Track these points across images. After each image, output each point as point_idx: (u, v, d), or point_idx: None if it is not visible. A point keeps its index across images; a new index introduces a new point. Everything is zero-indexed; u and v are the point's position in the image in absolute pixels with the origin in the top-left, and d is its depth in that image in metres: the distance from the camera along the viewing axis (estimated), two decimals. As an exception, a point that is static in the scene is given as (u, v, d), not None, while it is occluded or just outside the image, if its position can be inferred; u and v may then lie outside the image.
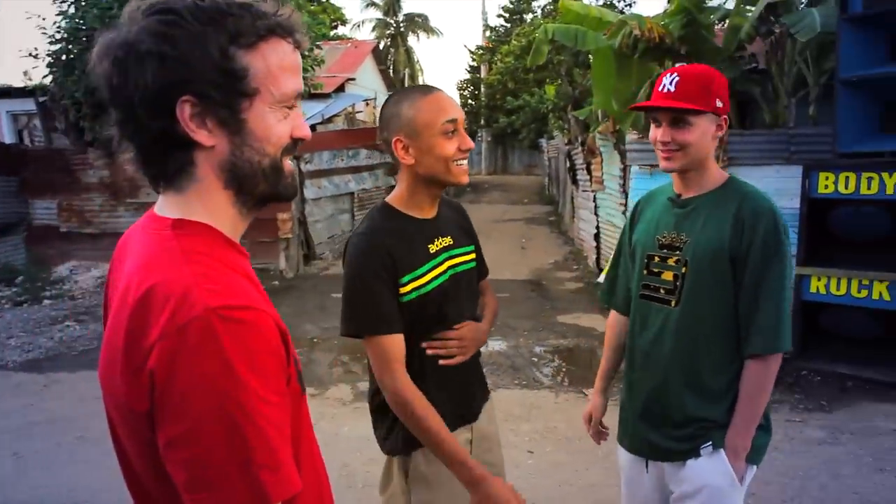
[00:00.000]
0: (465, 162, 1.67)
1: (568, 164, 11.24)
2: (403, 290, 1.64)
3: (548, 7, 18.51)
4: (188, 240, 0.88)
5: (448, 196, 1.88)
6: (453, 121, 1.62)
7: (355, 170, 12.27)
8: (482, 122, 31.38)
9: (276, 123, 0.92)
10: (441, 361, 1.70)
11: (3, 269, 9.75)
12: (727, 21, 7.49)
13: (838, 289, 4.91)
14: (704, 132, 1.73)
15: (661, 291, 1.82)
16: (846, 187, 4.83)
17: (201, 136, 0.87)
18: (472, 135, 34.33)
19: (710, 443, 1.73)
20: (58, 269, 9.70)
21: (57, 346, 6.63)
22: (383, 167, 13.73)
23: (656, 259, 1.84)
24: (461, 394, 1.77)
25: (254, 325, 0.82)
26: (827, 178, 4.91)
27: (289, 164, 0.97)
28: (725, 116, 1.76)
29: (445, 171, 1.64)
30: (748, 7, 7.35)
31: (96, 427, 4.40)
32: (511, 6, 26.77)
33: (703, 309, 1.75)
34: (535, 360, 5.84)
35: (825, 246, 5.18)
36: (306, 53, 9.68)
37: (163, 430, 0.79)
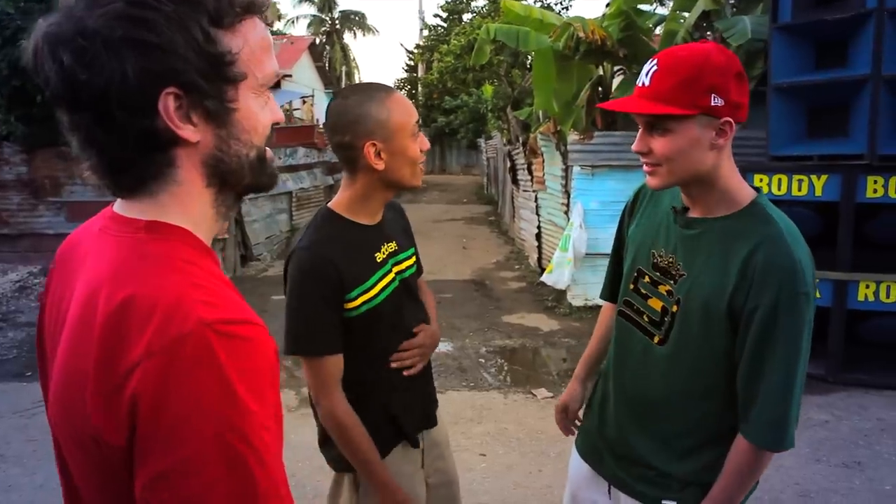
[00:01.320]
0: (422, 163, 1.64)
1: (508, 165, 11.32)
2: (352, 304, 1.55)
3: (485, 8, 18.63)
4: (169, 245, 0.78)
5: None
6: (418, 122, 1.58)
7: (293, 168, 11.99)
8: (419, 121, 31.27)
9: (260, 110, 0.83)
10: (406, 372, 1.64)
11: None
12: (662, 26, 7.71)
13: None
14: (693, 141, 1.33)
15: (645, 318, 1.53)
16: (779, 189, 5.03)
17: (187, 131, 0.77)
18: (410, 134, 34.27)
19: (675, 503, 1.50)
20: (-32, 273, 9.04)
21: (-29, 356, 6.16)
22: (321, 166, 13.48)
23: (646, 279, 1.53)
24: (423, 399, 1.73)
25: (253, 343, 0.73)
26: (761, 181, 5.09)
27: (269, 152, 0.89)
28: (728, 118, 1.33)
29: (412, 174, 1.59)
30: (682, 13, 7.59)
31: (9, 447, 4.10)
32: (449, 5, 26.79)
33: (690, 361, 1.44)
34: (482, 360, 5.83)
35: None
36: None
37: (147, 465, 0.68)
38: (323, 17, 39.76)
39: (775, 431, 1.34)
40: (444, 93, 25.53)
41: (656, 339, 1.49)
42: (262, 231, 10.61)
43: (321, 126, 15.86)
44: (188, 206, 0.82)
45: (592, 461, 1.70)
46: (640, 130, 1.41)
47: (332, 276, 1.51)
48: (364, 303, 1.55)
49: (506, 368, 5.72)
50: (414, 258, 1.78)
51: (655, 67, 1.35)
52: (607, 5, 7.12)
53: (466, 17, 25.24)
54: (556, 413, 1.91)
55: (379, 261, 1.61)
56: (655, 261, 1.51)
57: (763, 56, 6.75)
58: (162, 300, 0.71)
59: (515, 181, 11.13)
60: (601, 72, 7.88)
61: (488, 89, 16.47)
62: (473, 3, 24.73)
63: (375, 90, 1.58)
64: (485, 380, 5.33)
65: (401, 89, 33.49)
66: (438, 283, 8.92)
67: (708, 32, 7.21)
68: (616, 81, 8.14)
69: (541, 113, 8.82)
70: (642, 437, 1.54)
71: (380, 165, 1.55)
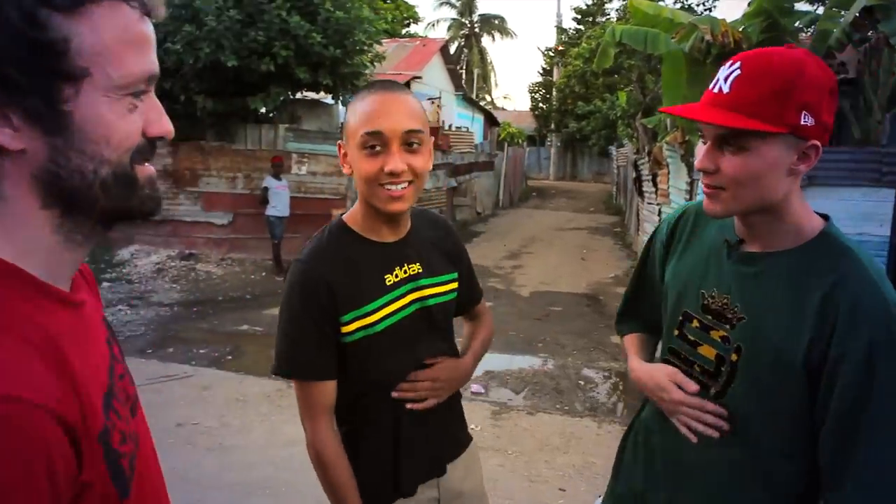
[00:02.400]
0: (398, 187, 1.32)
1: (634, 175, 10.73)
2: (346, 329, 1.37)
3: (620, 10, 17.88)
4: None
5: (434, 211, 1.58)
6: (375, 134, 1.29)
7: (415, 170, 12.11)
8: (552, 126, 30.79)
9: (118, 118, 0.67)
10: (408, 405, 1.43)
11: (70, 249, 10.10)
12: (815, 26, 6.89)
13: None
14: (772, 163, 1.10)
15: (697, 369, 1.29)
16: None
17: (2, 137, 0.63)
18: (542, 139, 33.88)
19: None
20: (121, 253, 9.95)
21: (105, 330, 6.72)
22: (444, 168, 13.54)
23: (695, 324, 1.29)
24: (430, 442, 1.50)
25: (5, 425, 0.56)
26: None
27: (147, 169, 0.72)
28: (816, 142, 1.10)
29: (369, 193, 1.34)
30: (839, 11, 6.74)
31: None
32: (584, 8, 26.09)
33: (758, 418, 1.20)
34: (582, 383, 5.48)
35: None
36: (365, 48, 9.57)
37: None
38: (463, 20, 40.29)
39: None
40: (578, 98, 24.90)
41: (712, 392, 1.26)
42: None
43: (447, 128, 16.01)
44: (13, 229, 0.67)
45: None
46: (707, 144, 1.17)
47: (324, 295, 1.35)
48: (360, 329, 1.38)
49: (605, 395, 5.33)
50: (453, 284, 1.55)
51: (738, 72, 1.11)
52: (749, 4, 6.45)
53: (601, 19, 24.43)
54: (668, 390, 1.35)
55: (389, 284, 1.42)
56: (706, 302, 1.27)
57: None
58: None
59: (641, 193, 10.53)
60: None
61: (623, 95, 15.77)
62: (608, 5, 23.88)
63: (368, 86, 1.40)
64: (580, 405, 4.99)
65: (535, 93, 33.19)
66: (549, 295, 8.60)
67: (870, 32, 6.34)
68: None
69: (668, 121, 8.23)
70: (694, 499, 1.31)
71: (346, 171, 1.39)
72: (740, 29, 6.01)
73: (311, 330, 1.36)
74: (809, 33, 7.27)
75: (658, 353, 1.48)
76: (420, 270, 1.46)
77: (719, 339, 1.24)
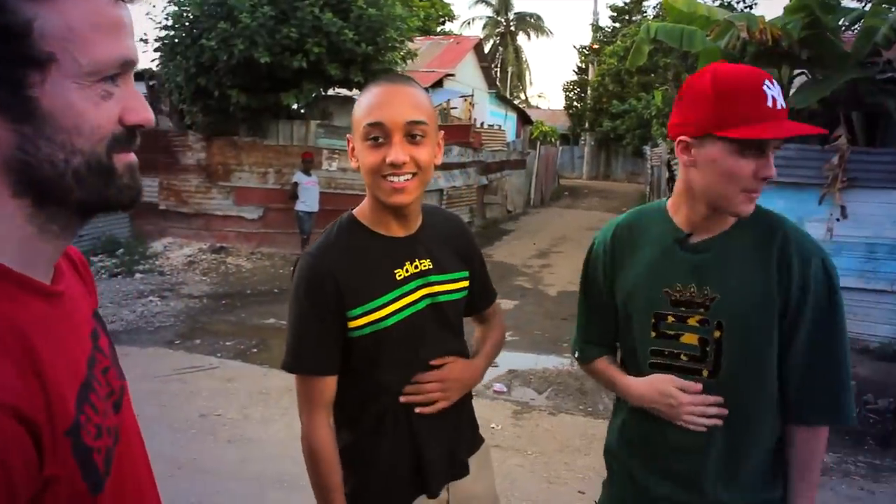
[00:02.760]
0: (401, 178, 1.30)
1: (667, 175, 10.53)
2: (354, 324, 1.35)
3: (658, 9, 17.60)
4: None
5: (446, 208, 1.55)
6: (376, 125, 1.29)
7: (446, 167, 12.09)
8: (586, 125, 30.49)
9: (90, 106, 0.65)
10: (417, 409, 1.40)
11: (107, 240, 10.32)
12: (860, 23, 6.65)
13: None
14: None
15: (683, 358, 1.39)
16: None
17: None
18: (576, 138, 33.58)
19: None
20: (154, 245, 10.14)
21: (137, 319, 6.84)
22: (475, 165, 13.49)
23: (669, 319, 1.39)
24: (449, 443, 1.48)
25: None
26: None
27: (127, 158, 0.70)
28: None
29: (373, 185, 1.33)
30: (888, 7, 6.49)
31: (138, 408, 4.42)
32: (620, 6, 25.74)
33: (751, 379, 1.35)
34: (606, 384, 5.39)
35: (961, 288, 4.41)
36: (396, 45, 9.57)
37: None
38: (499, 18, 40.12)
39: (838, 407, 1.34)
40: (613, 97, 24.60)
41: (705, 374, 1.38)
42: (409, 227, 10.81)
43: (479, 126, 15.94)
44: None
45: None
46: (767, 156, 1.28)
47: (330, 290, 1.33)
48: (369, 324, 1.35)
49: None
50: (464, 283, 1.51)
51: (777, 87, 1.28)
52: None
53: (637, 18, 24.07)
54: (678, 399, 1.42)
55: (399, 278, 1.39)
56: (673, 298, 1.39)
57: None
58: None
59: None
60: (778, 76, 6.98)
61: (659, 94, 15.51)
62: (645, 3, 23.52)
63: (374, 80, 1.40)
64: (604, 406, 4.90)
65: (569, 91, 32.88)
66: (577, 295, 8.48)
67: (919, 31, 6.09)
68: (794, 87, 7.18)
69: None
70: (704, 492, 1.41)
71: (354, 164, 1.38)
72: (780, 26, 5.83)
73: (313, 324, 1.34)
74: (853, 30, 7.01)
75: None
76: (430, 267, 1.44)
77: (697, 324, 1.36)
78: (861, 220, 6.04)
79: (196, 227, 10.16)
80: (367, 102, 1.32)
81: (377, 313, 1.35)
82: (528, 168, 19.12)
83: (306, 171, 9.18)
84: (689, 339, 1.37)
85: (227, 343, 6.05)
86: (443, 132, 1.41)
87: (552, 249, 12.25)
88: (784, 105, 1.25)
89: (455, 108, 15.02)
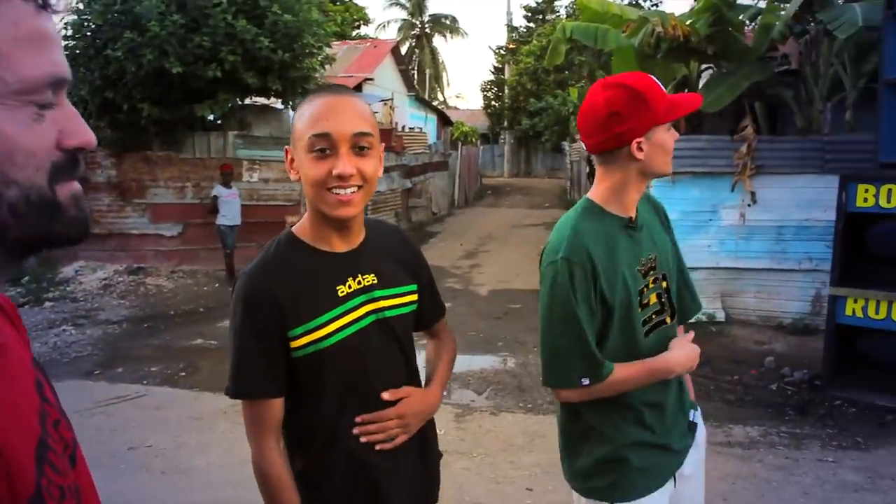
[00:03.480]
0: (347, 191, 1.26)
1: (588, 170, 10.83)
2: (296, 343, 1.30)
3: (568, 7, 18.10)
4: None
5: (389, 221, 1.51)
6: (322, 136, 1.24)
7: (369, 172, 11.98)
8: (505, 123, 30.96)
9: (21, 130, 0.58)
10: (378, 447, 1.36)
11: (11, 268, 9.66)
12: (758, 20, 7.05)
13: (877, 312, 4.46)
14: None
15: (654, 317, 1.67)
16: (888, 201, 4.38)
17: None
18: (496, 137, 34.07)
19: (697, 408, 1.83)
20: (64, 270, 9.56)
21: (50, 351, 6.41)
22: (399, 169, 13.44)
23: (645, 290, 1.65)
24: (397, 476, 1.41)
25: None
26: (867, 191, 4.46)
27: (71, 188, 0.63)
28: None
29: (317, 198, 1.28)
30: (781, 4, 6.91)
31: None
32: (533, 6, 26.31)
33: (683, 308, 1.82)
34: (544, 379, 5.47)
35: (862, 264, 4.74)
36: (314, 52, 9.41)
37: None
38: (414, 21, 40.19)
39: (698, 299, 1.90)
40: (530, 95, 25.08)
41: (669, 320, 1.71)
42: (336, 234, 10.65)
43: (400, 129, 15.90)
44: None
45: (663, 481, 1.68)
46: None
47: (269, 308, 1.28)
48: (310, 342, 1.30)
49: (569, 390, 5.33)
50: (412, 297, 1.47)
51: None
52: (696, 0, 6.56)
53: (551, 17, 24.68)
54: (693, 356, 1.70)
55: (342, 295, 1.35)
56: (641, 270, 1.64)
57: (875, 49, 6.01)
58: None
59: (595, 187, 10.64)
60: (687, 70, 7.31)
61: (574, 91, 15.91)
62: (557, 3, 24.14)
63: (316, 90, 1.36)
64: (543, 402, 4.97)
65: (487, 91, 33.33)
66: (508, 293, 8.60)
67: (811, 24, 6.51)
68: (703, 80, 7.54)
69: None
70: (682, 402, 1.77)
71: (294, 176, 1.34)
72: (688, 23, 6.10)
73: (254, 345, 1.29)
74: (753, 26, 7.43)
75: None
76: (375, 282, 1.39)
77: (654, 284, 1.66)
78: (769, 205, 6.40)
79: (110, 248, 9.64)
80: (312, 113, 1.27)
81: (319, 332, 1.30)
82: (451, 169, 19.24)
83: (226, 184, 8.88)
84: (653, 298, 1.67)
85: (153, 369, 5.77)
86: (383, 144, 1.37)
87: (479, 249, 12.36)
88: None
89: (376, 112, 14.91)
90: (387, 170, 12.71)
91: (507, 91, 29.47)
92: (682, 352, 1.63)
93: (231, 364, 1.32)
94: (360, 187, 1.28)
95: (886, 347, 4.53)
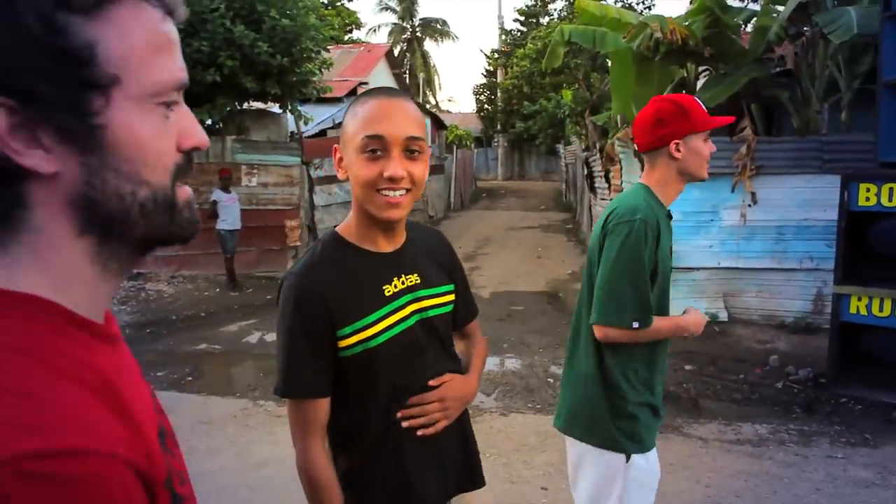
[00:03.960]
0: (396, 193, 1.28)
1: (585, 172, 10.89)
2: (344, 342, 1.31)
3: (564, 11, 18.19)
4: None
5: (427, 221, 1.53)
6: (377, 137, 1.26)
7: (367, 176, 11.99)
8: (498, 126, 31.03)
9: (153, 132, 0.60)
10: (419, 432, 1.37)
11: None
12: (753, 22, 7.13)
13: (881, 310, 4.53)
14: None
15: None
16: (890, 200, 4.45)
17: (34, 159, 0.55)
18: (489, 140, 34.13)
19: None
20: None
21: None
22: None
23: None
24: (448, 462, 1.45)
25: (84, 486, 0.50)
26: (868, 190, 4.53)
27: (185, 191, 0.66)
28: None
29: (366, 198, 1.30)
30: (776, 7, 6.99)
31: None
32: (527, 9, 26.43)
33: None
34: (551, 380, 5.50)
35: (865, 263, 4.80)
36: (312, 56, 9.42)
37: None
38: (404, 25, 40.22)
39: None
40: (523, 98, 25.17)
41: None
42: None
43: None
44: (51, 262, 0.59)
45: (654, 441, 2.02)
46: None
47: (319, 308, 1.29)
48: (359, 342, 1.32)
49: (575, 390, 5.36)
50: (450, 297, 1.50)
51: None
52: (691, 2, 6.62)
53: (545, 20, 24.78)
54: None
55: (388, 294, 1.37)
56: (670, 252, 1.99)
57: (871, 51, 6.09)
58: None
59: (593, 189, 10.69)
60: (685, 73, 7.38)
61: (568, 94, 16.01)
62: (551, 6, 24.25)
63: (370, 93, 1.36)
64: (553, 402, 5.00)
65: (479, 95, 33.40)
66: (510, 295, 8.64)
67: (805, 28, 6.60)
68: (701, 83, 7.61)
69: (619, 118, 8.38)
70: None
71: (341, 175, 1.35)
72: (685, 24, 6.16)
73: (304, 345, 1.30)
74: (747, 30, 7.51)
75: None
76: (418, 281, 1.42)
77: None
78: (770, 205, 6.47)
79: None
80: (366, 114, 1.28)
81: (367, 331, 1.32)
82: (447, 172, 19.27)
83: (225, 189, 8.87)
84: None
85: (159, 374, 5.75)
86: (429, 149, 1.40)
87: (478, 252, 12.40)
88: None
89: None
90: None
91: (499, 94, 29.55)
92: (697, 318, 1.99)
93: (281, 364, 1.33)
94: (408, 190, 1.30)
95: (890, 344, 4.59)
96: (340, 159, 1.35)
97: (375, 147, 1.27)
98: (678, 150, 1.90)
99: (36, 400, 0.51)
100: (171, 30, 0.63)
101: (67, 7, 0.55)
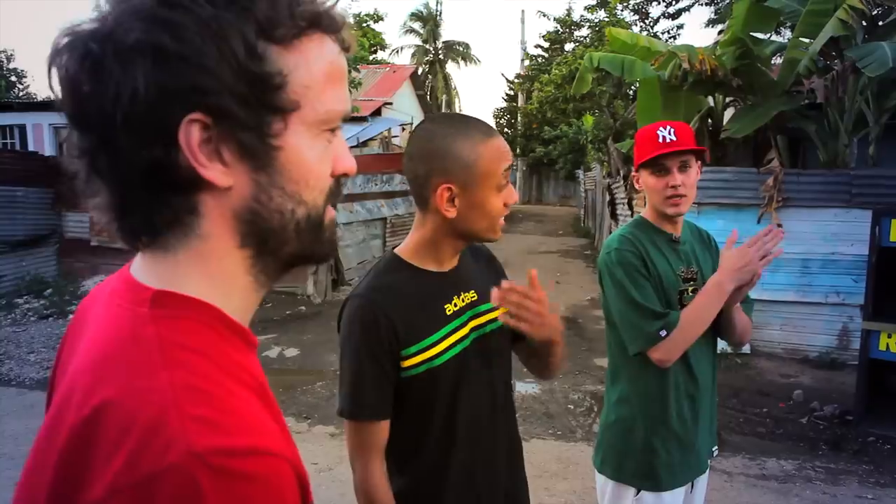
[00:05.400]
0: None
1: (608, 198, 10.89)
2: (409, 363, 1.32)
3: (589, 38, 18.35)
4: (173, 326, 0.60)
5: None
6: (509, 167, 1.36)
7: (389, 195, 12.09)
8: (518, 151, 31.19)
9: (318, 156, 0.65)
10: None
11: (33, 280, 9.73)
12: (783, 55, 7.15)
13: (911, 347, 4.46)
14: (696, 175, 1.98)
15: None
16: (922, 236, 4.40)
17: (214, 172, 0.60)
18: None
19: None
20: (86, 283, 9.64)
21: (75, 365, 6.44)
22: (417, 193, 13.52)
23: (687, 293, 1.96)
24: (505, 485, 1.46)
25: (264, 484, 0.53)
26: (901, 226, 4.49)
27: (331, 212, 0.70)
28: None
29: (489, 228, 1.35)
30: (805, 40, 7.01)
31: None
32: (552, 35, 26.66)
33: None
34: (571, 407, 5.46)
35: (894, 299, 4.74)
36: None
37: None
38: (427, 47, 40.69)
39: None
40: (544, 123, 25.29)
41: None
42: (355, 256, 10.71)
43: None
44: (215, 268, 0.64)
45: (681, 476, 1.97)
46: (672, 173, 1.95)
47: (384, 330, 1.31)
48: (423, 362, 1.33)
49: (596, 417, 5.31)
50: (504, 309, 1.50)
51: (674, 128, 1.94)
52: (719, 32, 6.66)
53: (569, 46, 24.97)
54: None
55: (449, 313, 1.38)
56: (683, 277, 1.98)
57: (900, 87, 6.08)
58: (142, 413, 0.52)
59: (614, 216, 10.68)
60: (712, 102, 7.39)
61: (589, 119, 16.06)
62: (577, 33, 24.45)
63: (473, 126, 1.34)
64: (573, 429, 4.96)
65: (499, 119, 33.63)
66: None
67: (836, 61, 6.60)
68: (728, 114, 7.62)
69: (644, 145, 8.40)
70: (711, 400, 2.04)
71: (451, 213, 1.32)
72: (714, 55, 6.19)
73: (369, 367, 1.31)
74: (777, 62, 7.52)
75: None
76: (475, 298, 1.44)
77: (692, 292, 1.95)
78: (796, 238, 6.41)
79: (128, 261, 9.72)
80: (490, 152, 1.32)
81: (431, 350, 1.34)
82: (466, 194, 19.30)
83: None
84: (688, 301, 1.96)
85: (180, 384, 5.78)
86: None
87: (497, 274, 12.37)
88: (675, 139, 1.88)
89: (396, 136, 15.08)
90: (406, 193, 12.80)
91: (519, 118, 29.72)
92: (728, 261, 1.85)
93: (345, 385, 1.34)
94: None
95: (920, 383, 4.52)
96: (453, 198, 1.32)
97: (506, 181, 1.36)
98: (639, 183, 2.01)
99: (217, 399, 0.55)
100: (345, 64, 0.68)
101: (269, 38, 0.59)
